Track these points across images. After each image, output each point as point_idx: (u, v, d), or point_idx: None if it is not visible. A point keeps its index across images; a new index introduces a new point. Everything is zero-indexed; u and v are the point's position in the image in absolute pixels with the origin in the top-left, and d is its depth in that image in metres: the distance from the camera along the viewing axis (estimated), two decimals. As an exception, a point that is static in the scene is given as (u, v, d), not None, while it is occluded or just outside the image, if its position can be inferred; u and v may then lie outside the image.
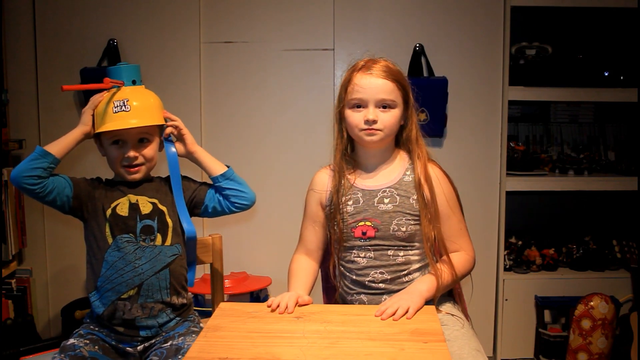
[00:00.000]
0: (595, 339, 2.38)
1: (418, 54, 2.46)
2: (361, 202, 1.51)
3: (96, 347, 1.43)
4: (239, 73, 2.51)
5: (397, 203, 1.50)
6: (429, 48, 2.47)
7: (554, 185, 2.56)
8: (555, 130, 2.83)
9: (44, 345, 2.31)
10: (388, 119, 1.47)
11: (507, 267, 2.62)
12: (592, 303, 2.38)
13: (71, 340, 1.43)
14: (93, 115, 1.48)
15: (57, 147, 1.43)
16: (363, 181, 1.54)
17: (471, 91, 2.50)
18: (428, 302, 1.44)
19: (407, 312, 1.33)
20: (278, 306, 1.38)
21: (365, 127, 1.47)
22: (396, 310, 1.33)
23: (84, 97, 2.42)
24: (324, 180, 1.60)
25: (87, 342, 1.43)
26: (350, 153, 1.60)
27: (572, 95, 2.55)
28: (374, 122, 1.46)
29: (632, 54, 2.56)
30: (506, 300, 2.57)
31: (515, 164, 2.59)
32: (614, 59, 2.60)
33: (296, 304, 1.40)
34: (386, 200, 1.50)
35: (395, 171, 1.54)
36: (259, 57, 2.51)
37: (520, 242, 2.70)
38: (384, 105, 1.47)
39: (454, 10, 2.48)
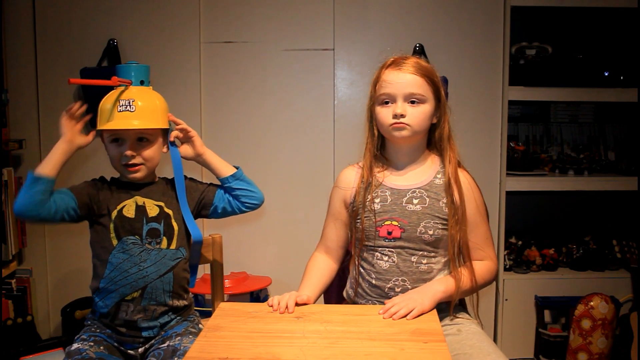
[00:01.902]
0: (595, 339, 2.38)
1: (418, 53, 2.46)
2: (389, 201, 1.49)
3: (101, 347, 1.44)
4: (239, 73, 2.51)
5: (426, 205, 1.47)
6: (429, 48, 2.47)
7: (554, 185, 2.56)
8: (555, 130, 2.83)
9: (44, 345, 2.32)
10: (416, 114, 1.44)
11: (507, 267, 2.62)
12: (592, 303, 2.38)
13: (75, 345, 1.43)
14: (97, 112, 1.46)
15: (48, 167, 1.40)
16: (392, 180, 1.51)
17: (471, 91, 2.50)
18: (443, 309, 1.44)
19: (410, 312, 1.32)
20: (279, 306, 1.38)
21: (394, 121, 1.44)
22: (400, 309, 1.32)
23: (85, 98, 2.42)
24: (349, 178, 1.57)
25: (92, 344, 1.43)
26: (381, 152, 1.56)
27: (572, 95, 2.55)
28: (402, 116, 1.43)
29: (632, 54, 2.56)
30: (506, 300, 2.57)
31: (515, 164, 2.59)
32: (614, 59, 2.60)
33: (296, 303, 1.40)
34: (415, 201, 1.47)
35: (426, 172, 1.51)
36: (259, 57, 2.51)
37: (520, 242, 2.70)
38: (413, 100, 1.44)
39: (454, 10, 2.48)
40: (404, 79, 1.44)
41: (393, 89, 1.45)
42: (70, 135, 1.43)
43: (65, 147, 1.43)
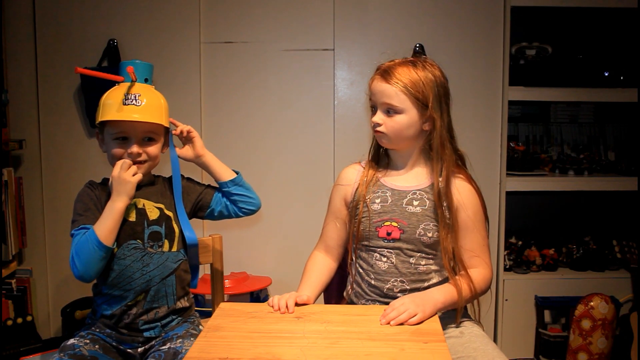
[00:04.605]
0: (595, 339, 2.38)
1: (418, 53, 2.46)
2: (389, 202, 1.49)
3: (96, 346, 1.43)
4: (239, 73, 2.51)
5: (426, 207, 1.47)
6: (429, 48, 2.47)
7: (554, 185, 2.56)
8: (555, 130, 2.83)
9: (44, 345, 2.32)
10: (392, 124, 1.47)
11: (507, 267, 2.62)
12: (592, 303, 2.38)
13: (71, 341, 1.43)
14: (99, 106, 1.45)
15: (112, 237, 1.38)
16: (393, 181, 1.53)
17: (471, 91, 2.50)
18: (445, 314, 1.45)
19: (412, 317, 1.31)
20: (279, 306, 1.38)
21: (374, 129, 1.50)
22: (400, 314, 1.31)
23: (84, 97, 2.42)
24: (350, 175, 1.59)
25: (88, 341, 1.43)
26: (386, 151, 1.58)
27: (572, 95, 2.55)
28: (378, 125, 1.48)
29: (632, 54, 2.56)
30: (506, 300, 2.57)
31: (515, 164, 2.59)
32: (614, 59, 2.60)
33: (296, 303, 1.40)
34: (415, 203, 1.48)
35: (427, 175, 1.52)
36: (259, 57, 2.51)
37: (520, 242, 2.70)
38: (391, 110, 1.46)
39: (454, 10, 2.48)
40: (381, 89, 1.47)
41: (374, 98, 1.50)
42: (132, 193, 1.41)
43: (124, 207, 1.40)
